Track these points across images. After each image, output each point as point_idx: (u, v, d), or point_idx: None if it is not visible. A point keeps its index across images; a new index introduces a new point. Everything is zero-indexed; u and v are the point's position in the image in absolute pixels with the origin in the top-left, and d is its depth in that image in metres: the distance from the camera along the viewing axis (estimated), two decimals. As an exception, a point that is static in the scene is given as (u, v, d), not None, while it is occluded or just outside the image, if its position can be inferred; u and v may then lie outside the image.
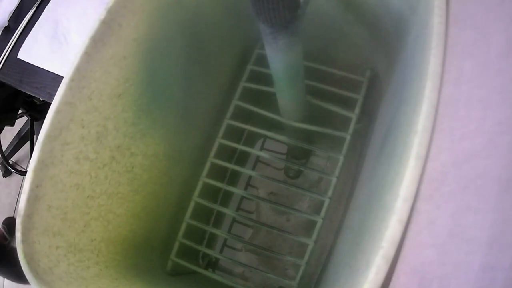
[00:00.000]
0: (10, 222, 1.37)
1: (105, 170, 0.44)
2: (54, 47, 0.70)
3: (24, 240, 0.36)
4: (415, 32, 0.40)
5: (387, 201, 0.30)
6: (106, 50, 0.42)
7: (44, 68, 0.69)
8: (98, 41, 0.41)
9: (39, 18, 0.72)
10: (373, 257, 0.28)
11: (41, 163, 0.37)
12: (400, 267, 0.28)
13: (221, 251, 0.71)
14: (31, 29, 0.72)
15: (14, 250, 0.36)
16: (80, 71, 0.40)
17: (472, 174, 0.25)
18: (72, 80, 0.39)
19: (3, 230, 1.33)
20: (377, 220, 0.32)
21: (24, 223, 0.36)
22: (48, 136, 0.38)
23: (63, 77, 0.67)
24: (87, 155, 0.42)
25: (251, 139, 0.77)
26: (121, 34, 0.43)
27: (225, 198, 0.74)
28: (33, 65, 0.70)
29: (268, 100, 0.61)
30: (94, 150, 0.42)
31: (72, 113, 0.40)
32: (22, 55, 0.70)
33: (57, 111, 0.38)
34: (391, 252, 0.27)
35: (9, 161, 1.36)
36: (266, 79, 0.55)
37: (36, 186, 0.37)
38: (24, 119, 1.25)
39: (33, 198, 0.37)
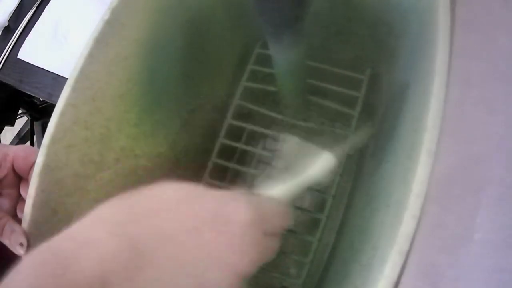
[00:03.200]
0: None
1: (109, 172, 0.44)
2: (54, 47, 0.70)
3: (30, 247, 0.36)
4: (418, 29, 0.40)
5: (398, 198, 0.31)
6: (109, 50, 0.42)
7: (44, 68, 0.69)
8: (101, 41, 0.41)
9: (39, 18, 0.72)
10: (388, 253, 0.28)
11: (46, 167, 0.37)
12: (409, 269, 0.28)
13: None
14: (31, 29, 0.71)
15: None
16: (84, 72, 0.40)
17: (480, 177, 0.25)
18: (76, 81, 0.39)
19: None
20: (388, 216, 0.32)
21: (30, 228, 0.36)
22: (52, 139, 0.38)
23: (63, 77, 0.67)
24: (92, 157, 0.42)
25: (252, 138, 0.76)
26: (123, 34, 0.43)
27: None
28: (33, 65, 0.70)
29: (269, 100, 0.61)
30: (98, 152, 0.42)
31: (75, 115, 0.39)
32: (22, 55, 0.70)
33: (62, 114, 0.38)
34: (406, 247, 0.27)
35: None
36: (267, 79, 0.55)
37: (41, 190, 0.36)
38: (24, 119, 1.25)
39: (38, 203, 0.36)
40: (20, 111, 1.04)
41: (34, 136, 1.22)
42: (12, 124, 0.98)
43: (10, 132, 1.33)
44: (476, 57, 0.29)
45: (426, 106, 0.31)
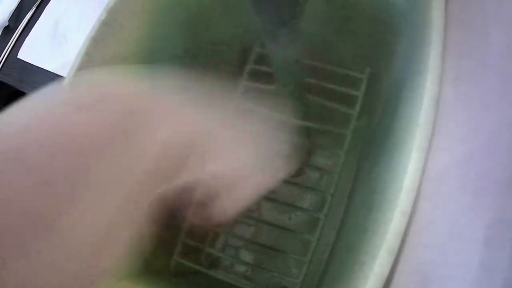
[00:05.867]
0: None
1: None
2: (54, 47, 0.70)
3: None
4: (414, 27, 0.40)
5: (390, 194, 0.31)
6: (107, 50, 0.42)
7: (44, 68, 0.69)
8: (99, 41, 0.41)
9: (39, 18, 0.72)
10: (378, 250, 0.28)
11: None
12: (400, 267, 0.28)
13: (223, 251, 0.71)
14: (31, 29, 0.72)
15: None
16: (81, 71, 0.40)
17: (472, 174, 0.25)
18: (73, 81, 0.39)
19: None
20: (380, 213, 0.32)
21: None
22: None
23: (63, 77, 0.67)
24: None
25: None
26: (122, 34, 0.43)
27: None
28: (33, 65, 0.70)
29: (268, 99, 0.61)
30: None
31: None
32: (22, 55, 0.70)
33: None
34: (396, 244, 0.27)
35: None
36: (266, 78, 0.55)
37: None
38: (25, 118, 1.25)
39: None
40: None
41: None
42: (13, 124, 0.98)
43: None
44: (469, 54, 0.30)
45: (418, 102, 0.31)
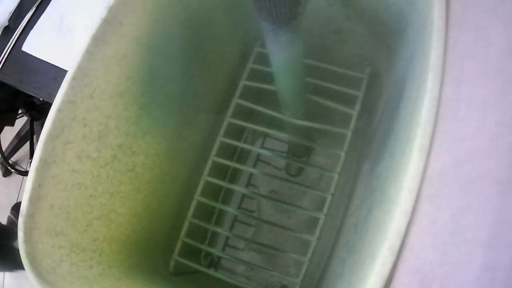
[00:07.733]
0: (18, 208, 1.36)
1: (107, 169, 0.44)
2: (58, 40, 0.70)
3: (27, 240, 0.36)
4: (415, 27, 0.40)
5: (391, 194, 0.31)
6: (108, 48, 0.42)
7: (48, 61, 0.69)
8: (100, 39, 0.41)
9: (44, 11, 0.72)
10: (379, 250, 0.28)
11: (43, 162, 0.37)
12: (400, 267, 0.28)
13: (223, 250, 0.71)
14: (31, 29, 0.71)
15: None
16: (82, 69, 0.40)
17: (473, 174, 0.25)
18: (73, 78, 0.39)
19: (12, 216, 1.32)
20: (381, 213, 0.32)
21: (27, 222, 0.36)
22: (50, 135, 0.38)
23: (63, 77, 0.67)
24: (89, 153, 0.42)
25: (252, 137, 0.77)
26: (122, 32, 0.43)
27: (226, 198, 0.74)
28: (35, 60, 0.69)
29: (268, 98, 0.61)
30: (96, 148, 0.42)
31: (74, 112, 0.40)
32: (27, 47, 0.70)
33: (59, 110, 0.38)
34: (397, 243, 0.27)
35: (9, 161, 1.36)
36: (267, 77, 0.55)
37: (38, 185, 0.37)
38: (24, 119, 1.25)
39: (35, 198, 0.37)
40: (20, 111, 1.04)
41: (34, 136, 1.22)
42: (12, 124, 0.98)
43: (10, 132, 1.33)
44: (470, 55, 0.29)
45: (420, 102, 0.31)
